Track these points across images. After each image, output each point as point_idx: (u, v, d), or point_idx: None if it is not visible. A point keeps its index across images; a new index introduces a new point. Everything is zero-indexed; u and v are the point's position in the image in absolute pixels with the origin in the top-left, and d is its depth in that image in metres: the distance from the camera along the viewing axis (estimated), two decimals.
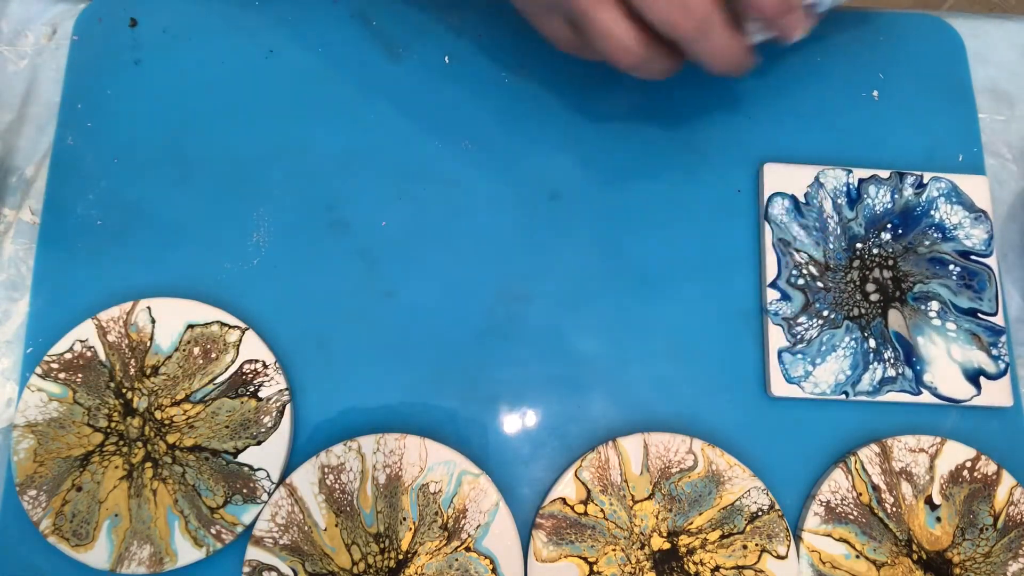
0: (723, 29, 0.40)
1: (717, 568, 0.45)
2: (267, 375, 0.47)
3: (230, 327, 0.48)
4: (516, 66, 0.54)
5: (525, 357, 0.49)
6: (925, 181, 0.51)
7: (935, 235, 0.51)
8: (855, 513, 0.46)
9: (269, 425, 0.46)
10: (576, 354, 0.49)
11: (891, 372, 0.48)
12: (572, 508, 0.45)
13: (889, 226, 0.51)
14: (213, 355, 0.47)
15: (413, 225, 0.51)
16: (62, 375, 0.47)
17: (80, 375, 0.47)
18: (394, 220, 0.51)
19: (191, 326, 0.48)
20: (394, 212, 0.51)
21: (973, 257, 0.50)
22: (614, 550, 0.45)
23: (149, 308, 0.48)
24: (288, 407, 0.47)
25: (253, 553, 0.44)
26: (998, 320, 0.49)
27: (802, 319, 0.49)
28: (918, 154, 0.53)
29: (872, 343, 0.48)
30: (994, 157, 0.54)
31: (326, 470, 0.45)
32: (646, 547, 0.45)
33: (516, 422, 0.48)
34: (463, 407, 0.48)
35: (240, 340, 0.48)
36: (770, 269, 0.50)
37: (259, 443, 0.46)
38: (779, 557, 0.45)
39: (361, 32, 0.55)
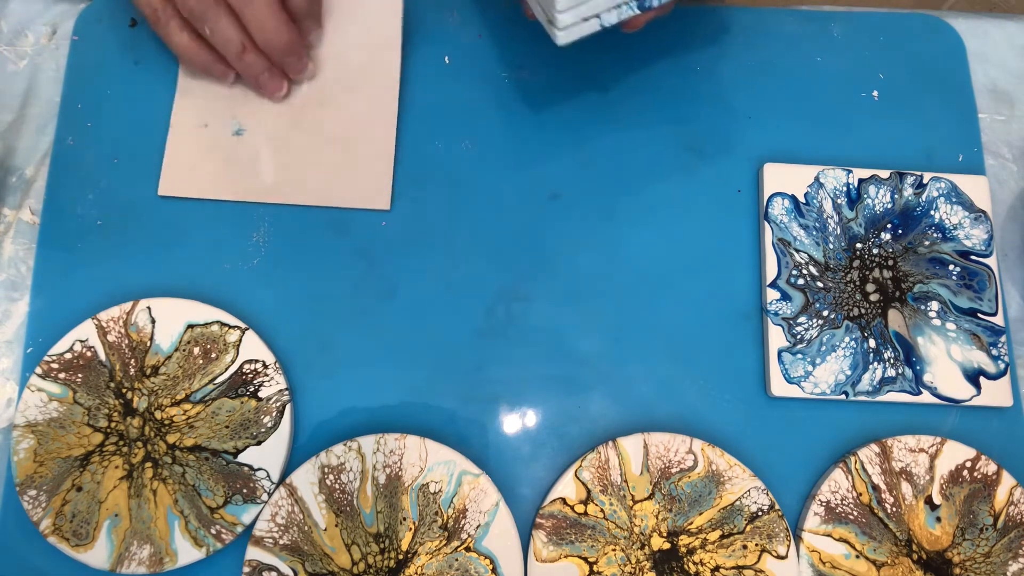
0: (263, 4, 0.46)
1: (717, 568, 0.45)
2: (267, 375, 0.47)
3: (230, 327, 0.48)
4: (516, 66, 0.54)
5: (525, 357, 0.49)
6: (925, 181, 0.51)
7: (935, 235, 0.51)
8: (855, 513, 0.46)
9: (269, 425, 0.46)
10: (576, 354, 0.49)
11: (891, 372, 0.48)
12: (572, 508, 0.45)
13: (889, 226, 0.51)
14: (213, 355, 0.47)
15: (413, 225, 0.51)
16: (62, 375, 0.47)
17: (80, 375, 0.47)
18: (394, 220, 0.51)
19: (191, 326, 0.48)
20: (394, 212, 0.51)
21: (973, 257, 0.50)
22: (614, 550, 0.45)
23: (149, 308, 0.48)
24: (288, 407, 0.47)
25: (253, 553, 0.44)
26: (998, 320, 0.49)
27: (802, 319, 0.49)
28: (918, 154, 0.53)
29: (872, 343, 0.48)
30: (994, 157, 0.54)
31: (326, 470, 0.45)
32: (646, 547, 0.45)
33: (516, 422, 0.48)
34: (463, 407, 0.48)
35: (240, 340, 0.48)
36: (770, 269, 0.50)
37: (259, 443, 0.46)
38: (779, 557, 0.45)
39: None
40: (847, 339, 0.48)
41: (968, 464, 0.46)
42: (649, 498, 0.45)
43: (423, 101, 0.54)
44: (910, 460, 0.46)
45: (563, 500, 0.45)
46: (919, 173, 0.51)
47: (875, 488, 0.46)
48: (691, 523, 0.45)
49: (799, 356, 0.48)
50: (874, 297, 0.49)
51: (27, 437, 0.46)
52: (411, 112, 0.53)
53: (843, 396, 0.48)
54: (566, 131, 0.53)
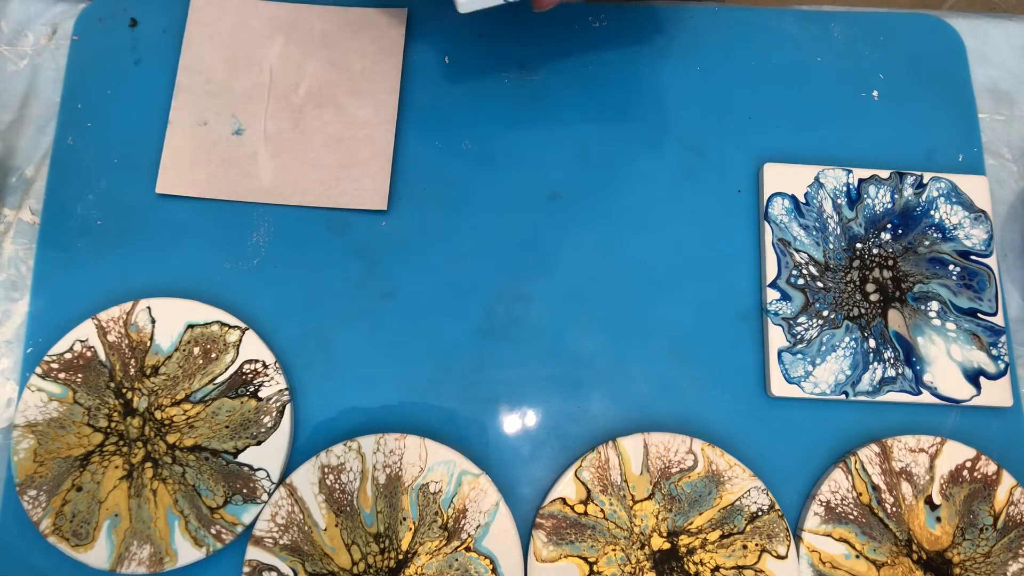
0: None
1: (717, 568, 0.45)
2: (267, 375, 0.47)
3: (230, 327, 0.48)
4: (516, 66, 0.54)
5: (525, 357, 0.49)
6: (925, 181, 0.51)
7: (935, 235, 0.50)
8: (855, 513, 0.46)
9: (269, 425, 0.46)
10: (576, 354, 0.49)
11: (891, 372, 0.48)
12: (572, 508, 0.45)
13: (889, 226, 0.51)
14: (213, 355, 0.47)
15: (413, 225, 0.51)
16: (62, 375, 0.47)
17: (80, 375, 0.47)
18: (394, 220, 0.51)
19: (191, 326, 0.48)
20: (394, 212, 0.51)
21: (973, 257, 0.50)
22: (614, 550, 0.45)
23: (149, 308, 0.48)
24: (288, 407, 0.47)
25: (253, 553, 0.44)
26: (998, 320, 0.49)
27: (802, 319, 0.49)
28: (918, 154, 0.53)
29: (872, 343, 0.48)
30: (994, 157, 0.54)
31: (326, 470, 0.45)
32: (646, 547, 0.45)
33: (516, 422, 0.48)
34: (463, 407, 0.48)
35: (240, 340, 0.48)
36: (770, 269, 0.50)
37: (259, 443, 0.46)
38: (779, 557, 0.45)
39: None
40: (847, 339, 0.48)
41: (968, 464, 0.46)
42: (649, 498, 0.45)
43: (423, 101, 0.54)
44: (910, 460, 0.46)
45: (563, 500, 0.45)
46: (919, 173, 0.51)
47: (875, 488, 0.46)
48: (691, 523, 0.45)
49: (799, 356, 0.48)
50: (874, 297, 0.49)
51: (27, 437, 0.46)
52: (411, 112, 0.53)
53: (843, 396, 0.48)
54: (566, 131, 0.53)
